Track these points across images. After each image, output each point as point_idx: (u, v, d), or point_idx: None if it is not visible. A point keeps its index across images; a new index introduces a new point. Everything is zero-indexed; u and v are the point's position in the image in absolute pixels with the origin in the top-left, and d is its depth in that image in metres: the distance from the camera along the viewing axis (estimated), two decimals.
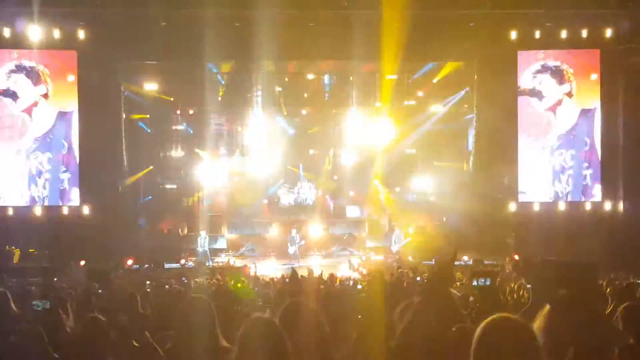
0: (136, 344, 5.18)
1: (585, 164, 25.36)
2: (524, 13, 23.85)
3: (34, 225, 23.45)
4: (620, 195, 25.00)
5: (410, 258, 25.60)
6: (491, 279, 9.76)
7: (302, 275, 17.17)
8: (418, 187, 30.91)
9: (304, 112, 31.48)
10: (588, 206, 25.22)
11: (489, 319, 3.25)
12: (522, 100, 25.33)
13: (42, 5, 22.29)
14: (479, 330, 3.23)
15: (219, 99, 30.27)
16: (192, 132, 31.13)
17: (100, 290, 12.79)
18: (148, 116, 28.86)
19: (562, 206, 25.04)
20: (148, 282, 16.23)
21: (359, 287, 14.76)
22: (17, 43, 23.52)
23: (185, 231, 28.61)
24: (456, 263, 23.46)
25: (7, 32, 23.19)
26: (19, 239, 22.33)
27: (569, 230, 22.86)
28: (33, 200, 24.23)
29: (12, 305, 7.35)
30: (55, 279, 18.48)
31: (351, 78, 30.28)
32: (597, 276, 12.92)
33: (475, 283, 9.54)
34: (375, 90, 30.39)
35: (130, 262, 24.34)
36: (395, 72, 29.81)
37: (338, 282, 16.15)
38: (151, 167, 29.02)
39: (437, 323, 4.46)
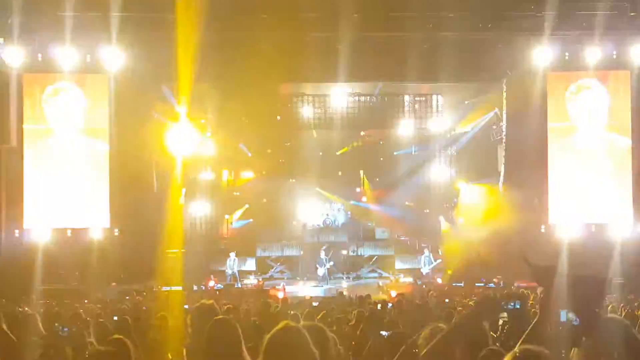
0: None
1: (617, 186, 25.07)
2: (553, 34, 23.70)
3: (66, 247, 23.64)
4: None
5: (439, 280, 25.45)
6: (521, 301, 9.61)
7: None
8: (447, 209, 30.77)
9: (332, 133, 31.56)
10: (620, 228, 24.88)
11: (513, 351, 3.23)
12: (552, 122, 25.18)
13: (74, 30, 22.57)
14: None
15: (246, 121, 30.48)
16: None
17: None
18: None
19: (593, 228, 24.74)
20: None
21: (390, 305, 14.72)
22: (51, 68, 23.82)
23: (215, 253, 28.62)
24: (489, 285, 23.36)
25: (40, 57, 23.52)
26: (51, 260, 22.47)
27: (600, 252, 22.55)
28: (64, 222, 24.41)
29: (41, 327, 7.40)
30: (86, 301, 18.63)
31: (379, 100, 30.35)
32: (604, 290, 12.74)
33: (504, 306, 9.39)
34: (402, 111, 30.46)
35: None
36: (423, 93, 29.92)
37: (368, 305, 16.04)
38: (183, 189, 29.19)
39: (464, 348, 4.42)
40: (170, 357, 5.85)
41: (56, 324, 7.33)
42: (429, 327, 4.98)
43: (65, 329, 7.14)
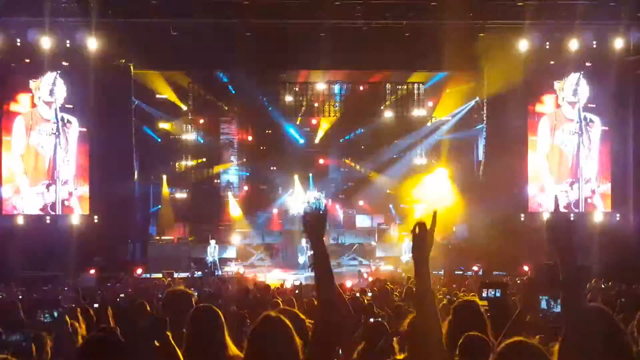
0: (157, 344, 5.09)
1: (596, 174, 25.29)
2: (533, 24, 23.79)
3: (44, 234, 23.54)
4: (631, 207, 24.88)
5: None
6: (501, 290, 9.64)
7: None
8: (427, 197, 30.79)
9: (314, 121, 31.55)
10: (598, 217, 25.11)
11: (505, 343, 3.20)
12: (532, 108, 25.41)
13: (53, 15, 22.38)
14: (493, 355, 3.18)
15: (226, 108, 30.42)
16: (202, 141, 31.21)
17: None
18: (171, 125, 29.12)
19: (571, 217, 24.91)
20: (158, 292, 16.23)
21: (370, 294, 14.73)
22: (29, 53, 23.62)
23: (195, 240, 28.58)
24: (468, 273, 23.43)
25: (18, 42, 23.31)
26: (29, 247, 22.37)
27: (579, 241, 22.65)
28: (44, 209, 24.32)
29: (22, 315, 7.36)
30: (66, 288, 18.52)
31: (361, 87, 30.34)
32: (588, 279, 12.87)
33: (485, 294, 9.42)
34: (385, 100, 30.47)
35: (139, 271, 24.39)
36: (404, 82, 29.93)
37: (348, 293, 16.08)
38: (164, 176, 29.24)
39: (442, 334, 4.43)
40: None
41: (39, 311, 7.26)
42: (410, 316, 4.98)
43: (47, 316, 7.09)
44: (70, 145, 24.67)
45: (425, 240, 3.68)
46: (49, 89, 24.27)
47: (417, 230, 3.70)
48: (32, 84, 24.23)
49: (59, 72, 24.26)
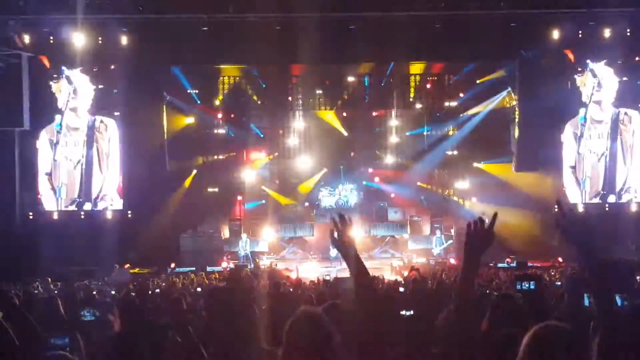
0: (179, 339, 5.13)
1: (630, 164, 24.98)
2: (566, 12, 23.52)
3: (79, 229, 23.76)
4: None
5: (452, 260, 25.39)
6: (536, 282, 9.53)
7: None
8: (460, 189, 30.62)
9: (344, 114, 31.39)
10: (634, 207, 24.80)
11: (538, 327, 3.15)
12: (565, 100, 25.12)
13: (85, 13, 22.53)
14: (527, 337, 3.13)
15: (258, 102, 30.40)
16: (233, 135, 31.23)
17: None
18: (193, 120, 29.04)
19: (606, 207, 24.65)
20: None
21: (401, 290, 14.67)
22: (61, 51, 23.83)
23: (227, 234, 28.68)
24: (499, 265, 23.25)
25: (51, 40, 23.53)
26: (64, 241, 22.59)
27: (614, 231, 22.43)
28: (78, 204, 24.55)
29: (62, 310, 7.40)
30: (101, 283, 18.71)
31: (391, 80, 30.17)
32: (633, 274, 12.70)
33: (519, 287, 9.32)
34: (416, 92, 30.32)
35: (172, 265, 24.56)
36: (435, 73, 29.75)
37: (382, 285, 16.00)
38: (195, 172, 29.26)
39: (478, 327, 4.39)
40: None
41: (82, 310, 7.28)
42: (447, 309, 4.93)
43: (88, 313, 7.12)
44: (110, 150, 24.85)
45: (483, 238, 3.65)
46: (72, 88, 24.42)
47: (473, 226, 3.67)
48: (54, 86, 24.40)
49: (80, 68, 24.44)
